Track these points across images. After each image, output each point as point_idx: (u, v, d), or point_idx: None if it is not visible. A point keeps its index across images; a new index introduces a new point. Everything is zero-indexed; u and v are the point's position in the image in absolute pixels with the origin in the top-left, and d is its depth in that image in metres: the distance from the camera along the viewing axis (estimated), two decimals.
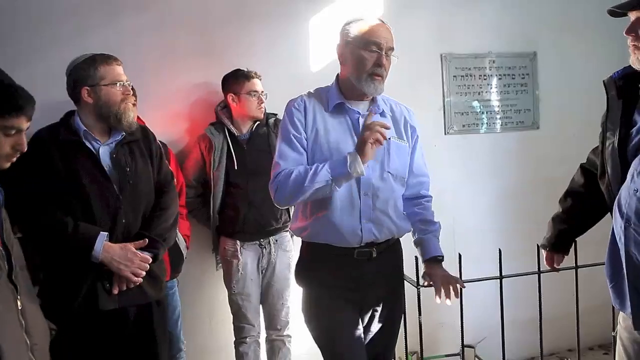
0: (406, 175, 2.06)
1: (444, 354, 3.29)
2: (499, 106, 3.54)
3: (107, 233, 2.01)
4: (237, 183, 2.82)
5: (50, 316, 2.05)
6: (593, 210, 2.00)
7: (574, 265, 2.38)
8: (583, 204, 2.05)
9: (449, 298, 1.97)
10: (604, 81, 1.74)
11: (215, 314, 3.08)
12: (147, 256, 2.06)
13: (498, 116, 3.54)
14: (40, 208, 2.00)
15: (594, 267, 2.43)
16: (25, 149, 1.48)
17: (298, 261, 2.09)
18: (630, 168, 1.49)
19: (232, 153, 2.82)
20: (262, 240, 2.86)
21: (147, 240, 2.07)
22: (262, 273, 2.89)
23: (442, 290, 1.97)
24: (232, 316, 2.91)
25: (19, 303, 1.39)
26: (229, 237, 2.86)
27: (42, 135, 2.08)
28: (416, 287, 2.30)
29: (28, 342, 1.40)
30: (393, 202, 2.00)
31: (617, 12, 1.60)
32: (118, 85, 2.08)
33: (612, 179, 1.65)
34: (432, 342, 3.32)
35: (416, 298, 2.31)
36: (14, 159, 1.48)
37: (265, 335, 2.96)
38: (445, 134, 3.44)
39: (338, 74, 2.04)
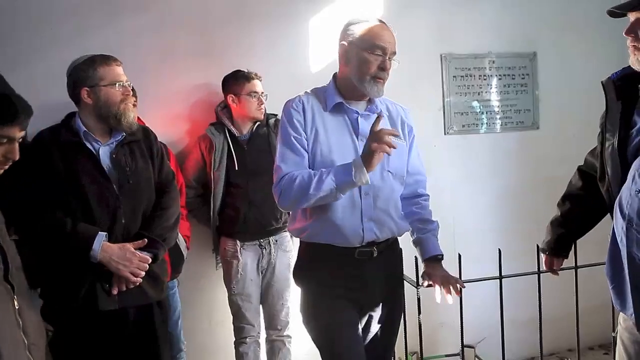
0: (405, 174, 2.06)
1: (444, 354, 3.29)
2: (498, 106, 3.54)
3: (105, 233, 2.01)
4: (238, 183, 2.82)
5: (51, 316, 2.07)
6: (592, 213, 2.00)
7: (574, 265, 2.38)
8: (581, 207, 2.05)
9: (449, 295, 1.98)
10: (602, 82, 1.73)
11: (216, 314, 3.08)
12: (147, 256, 2.06)
13: (498, 116, 3.55)
14: (39, 209, 2.00)
15: (593, 267, 2.43)
16: (17, 158, 1.48)
17: (297, 262, 2.09)
18: (631, 169, 1.48)
19: (232, 153, 2.82)
20: (262, 240, 2.86)
21: (146, 240, 2.07)
22: (262, 273, 2.90)
23: (443, 290, 1.98)
24: (232, 316, 2.91)
25: (15, 303, 1.40)
26: (229, 237, 2.86)
27: (43, 136, 2.10)
28: (416, 287, 2.30)
29: (25, 341, 1.40)
30: (393, 201, 2.01)
31: (617, 13, 1.60)
32: (117, 85, 2.08)
33: (613, 180, 1.65)
34: (432, 342, 3.32)
35: (416, 298, 2.31)
36: (6, 167, 1.49)
37: (265, 335, 2.96)
38: (445, 134, 3.45)
39: (335, 73, 2.04)
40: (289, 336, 2.93)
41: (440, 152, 3.42)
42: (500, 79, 3.53)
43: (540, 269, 2.36)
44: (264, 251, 2.87)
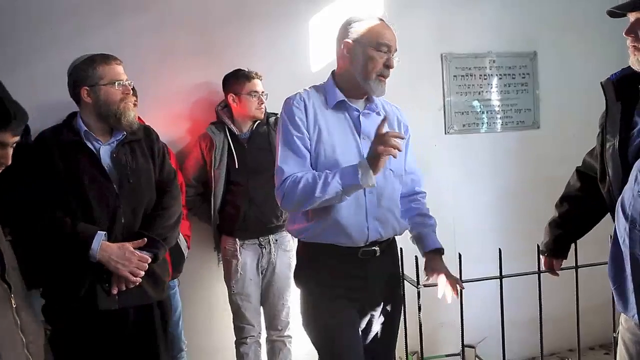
0: (403, 173, 2.06)
1: (445, 354, 3.29)
2: (499, 106, 3.54)
3: (104, 232, 2.01)
4: (238, 181, 2.83)
5: (52, 316, 2.08)
6: (590, 214, 2.00)
7: (574, 265, 2.38)
8: (580, 208, 2.05)
9: (453, 293, 1.99)
10: (601, 83, 1.73)
11: (216, 313, 3.08)
12: (146, 256, 2.06)
13: (498, 116, 3.54)
14: (39, 209, 2.00)
15: (594, 267, 2.42)
16: (9, 163, 1.49)
17: (297, 263, 2.07)
18: (633, 170, 1.48)
19: (232, 151, 2.82)
20: (262, 239, 2.86)
21: (145, 239, 2.06)
22: (262, 273, 2.90)
23: (446, 287, 1.98)
24: (232, 316, 2.91)
25: (12, 302, 1.41)
26: (229, 235, 2.86)
27: (44, 136, 2.11)
28: (416, 287, 2.30)
29: (24, 339, 1.42)
30: (395, 200, 2.02)
31: (617, 13, 1.59)
32: (117, 84, 2.08)
33: (614, 181, 1.65)
34: (433, 342, 3.32)
35: (416, 298, 2.31)
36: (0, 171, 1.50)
37: (265, 335, 2.96)
38: (445, 133, 3.44)
39: (333, 70, 2.03)
40: (289, 336, 2.93)
41: (440, 151, 3.41)
42: (500, 78, 3.53)
43: (541, 269, 2.36)
44: (264, 250, 2.87)
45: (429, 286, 2.08)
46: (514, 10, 3.52)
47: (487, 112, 3.52)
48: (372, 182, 1.78)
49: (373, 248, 1.95)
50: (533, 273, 2.40)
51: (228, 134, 2.85)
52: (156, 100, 2.90)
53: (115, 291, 2.03)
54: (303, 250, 2.03)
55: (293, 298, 2.86)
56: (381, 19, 1.96)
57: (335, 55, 2.02)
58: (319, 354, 1.99)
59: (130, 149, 2.15)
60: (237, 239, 2.84)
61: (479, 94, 3.50)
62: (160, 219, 2.15)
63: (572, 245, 2.22)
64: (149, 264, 2.07)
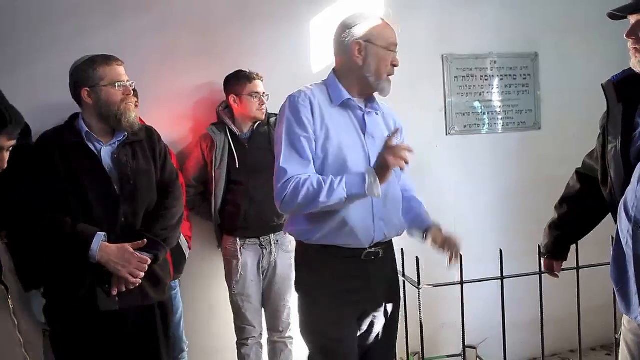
0: (400, 172, 2.06)
1: (446, 355, 3.29)
2: (500, 107, 3.54)
3: (104, 233, 2.00)
4: (239, 180, 2.83)
5: (53, 316, 2.08)
6: (590, 215, 2.01)
7: (576, 266, 2.38)
8: (579, 209, 2.05)
9: (453, 265, 2.01)
10: (602, 85, 1.73)
11: (217, 314, 3.08)
12: (146, 257, 2.05)
13: (499, 117, 3.54)
14: (39, 210, 2.00)
15: (595, 268, 2.43)
16: (5, 167, 1.50)
17: (299, 268, 2.02)
18: (635, 171, 1.48)
19: (233, 151, 2.83)
20: (263, 239, 2.86)
21: (145, 240, 2.06)
22: (263, 274, 2.90)
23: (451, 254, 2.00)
24: (233, 316, 2.91)
25: (10, 303, 1.42)
26: (230, 234, 2.86)
27: (46, 137, 2.12)
28: (417, 287, 2.30)
29: (21, 339, 1.43)
30: (399, 200, 2.01)
31: (617, 16, 1.60)
32: (117, 85, 2.08)
33: (616, 183, 1.65)
34: (434, 343, 3.31)
35: (417, 298, 2.31)
36: None
37: (267, 336, 2.96)
38: (446, 134, 3.44)
39: (334, 69, 2.00)
40: (290, 337, 2.93)
41: (441, 152, 3.41)
42: (501, 79, 3.53)
43: (542, 270, 2.36)
44: (264, 251, 2.87)
45: (430, 286, 2.08)
46: (515, 11, 3.51)
47: (488, 113, 3.52)
48: (378, 192, 1.76)
49: (376, 249, 1.94)
50: (534, 274, 2.40)
51: (229, 134, 2.85)
52: (157, 101, 2.90)
53: (115, 292, 2.03)
54: (305, 253, 1.97)
55: (294, 299, 2.85)
56: (381, 18, 1.95)
57: (335, 55, 1.99)
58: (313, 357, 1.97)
59: (131, 150, 2.15)
60: (237, 239, 2.84)
61: (480, 94, 3.50)
62: (162, 220, 2.15)
63: (573, 246, 2.23)
64: (149, 265, 2.07)
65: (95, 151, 2.10)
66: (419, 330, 2.34)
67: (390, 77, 1.94)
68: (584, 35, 3.60)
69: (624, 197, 1.49)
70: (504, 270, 2.36)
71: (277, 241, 2.89)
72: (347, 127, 1.92)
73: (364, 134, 1.94)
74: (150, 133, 2.26)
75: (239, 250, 2.83)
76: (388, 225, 1.96)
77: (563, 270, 2.26)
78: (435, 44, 3.39)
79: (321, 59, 3.16)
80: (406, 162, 1.74)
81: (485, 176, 3.51)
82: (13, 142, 1.50)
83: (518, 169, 3.55)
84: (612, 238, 1.53)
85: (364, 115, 1.96)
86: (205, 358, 3.08)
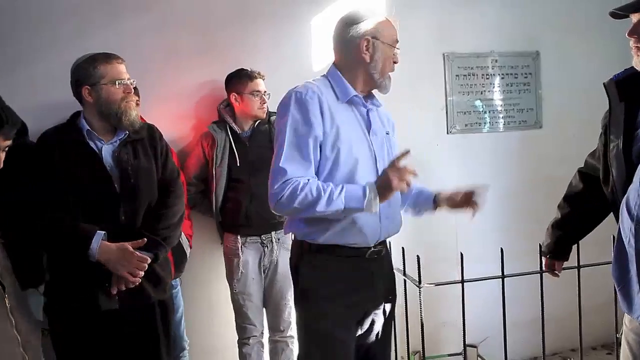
0: None
1: (447, 354, 3.29)
2: (501, 105, 3.53)
3: (104, 232, 2.00)
4: (240, 178, 2.83)
5: (53, 315, 2.09)
6: (592, 214, 2.01)
7: (577, 265, 2.38)
8: (582, 209, 2.05)
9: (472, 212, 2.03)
10: (604, 84, 1.73)
11: (218, 313, 3.08)
12: (146, 256, 2.05)
13: (501, 115, 3.54)
14: (39, 209, 2.00)
15: (596, 267, 2.43)
16: (1, 166, 1.50)
17: (300, 266, 1.93)
18: (638, 170, 1.48)
19: (234, 149, 2.83)
20: (264, 237, 2.86)
21: (145, 239, 2.05)
22: (264, 272, 2.90)
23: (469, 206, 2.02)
24: (234, 315, 2.91)
25: (7, 302, 1.43)
26: (232, 232, 2.86)
27: (47, 135, 2.12)
28: (418, 286, 2.31)
29: (19, 338, 1.43)
30: (398, 196, 1.99)
31: (619, 14, 1.59)
32: (118, 83, 2.08)
33: (618, 182, 1.65)
34: (435, 342, 3.31)
35: (418, 297, 2.31)
36: None
37: (268, 335, 2.96)
38: (447, 133, 3.44)
39: (335, 65, 1.95)
40: (292, 336, 2.92)
41: (442, 151, 3.41)
42: (503, 78, 3.52)
43: (543, 269, 2.36)
44: (265, 249, 2.87)
45: (431, 285, 2.08)
46: (517, 9, 3.51)
47: (489, 112, 3.51)
48: (376, 209, 1.74)
49: (379, 248, 1.94)
50: (535, 273, 2.40)
51: (229, 132, 2.85)
52: (159, 100, 2.90)
53: (114, 291, 2.03)
54: (307, 253, 1.90)
55: None
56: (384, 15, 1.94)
57: (337, 51, 1.94)
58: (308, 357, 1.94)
59: (132, 148, 2.15)
60: (238, 237, 2.84)
61: (481, 93, 3.49)
62: (162, 219, 2.14)
63: (574, 246, 2.22)
64: (149, 264, 2.06)
65: (96, 149, 2.09)
66: (420, 329, 2.34)
67: (390, 74, 1.93)
68: (585, 34, 3.60)
69: (626, 196, 1.48)
70: (504, 269, 2.36)
71: (279, 239, 2.89)
72: (354, 124, 1.89)
73: (369, 132, 1.91)
74: (151, 131, 2.26)
75: (240, 248, 2.83)
76: (392, 224, 1.96)
77: (564, 269, 2.26)
78: (437, 42, 3.39)
79: (322, 58, 3.16)
80: (408, 185, 1.72)
81: (486, 175, 3.50)
82: (9, 142, 1.50)
83: (519, 167, 3.55)
84: (613, 237, 1.53)
85: (367, 112, 1.94)
86: (206, 357, 3.08)
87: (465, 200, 2.03)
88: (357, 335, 1.96)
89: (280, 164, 1.76)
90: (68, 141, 2.07)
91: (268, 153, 2.66)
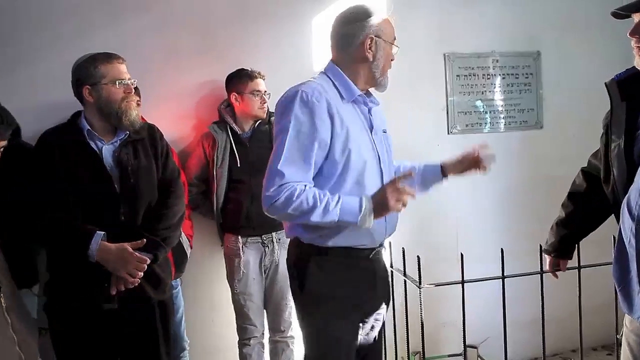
0: None
1: (447, 354, 3.29)
2: (502, 106, 3.53)
3: (103, 232, 2.00)
4: (241, 179, 2.83)
5: (53, 315, 2.09)
6: (596, 213, 2.00)
7: (577, 265, 2.38)
8: (586, 207, 2.05)
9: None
10: (605, 83, 1.73)
11: (219, 313, 3.08)
12: (145, 257, 2.04)
13: (501, 116, 3.53)
14: (38, 209, 2.00)
15: (596, 268, 2.42)
16: None
17: (304, 269, 1.85)
18: (639, 170, 1.48)
19: (234, 150, 2.82)
20: (265, 237, 2.85)
21: (145, 240, 2.05)
22: (264, 272, 2.89)
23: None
24: (235, 316, 2.91)
25: (2, 302, 1.43)
26: (232, 233, 2.86)
27: (46, 135, 2.12)
28: (418, 286, 2.30)
29: (15, 338, 1.43)
30: None
31: (621, 14, 1.59)
32: (118, 83, 2.08)
33: (618, 182, 1.64)
34: (435, 342, 3.31)
35: (418, 298, 2.31)
36: None
37: (268, 336, 2.95)
38: (448, 133, 3.43)
39: (334, 62, 1.91)
40: (292, 337, 2.92)
41: (443, 151, 3.36)
42: (504, 78, 3.52)
43: (543, 269, 2.36)
44: (266, 249, 2.87)
45: (431, 285, 2.07)
46: (517, 9, 3.51)
47: (490, 112, 3.51)
48: (369, 225, 1.73)
49: (380, 248, 1.94)
50: (535, 273, 2.40)
51: (230, 133, 2.85)
52: (159, 100, 2.90)
53: (114, 292, 2.03)
54: (312, 256, 1.84)
55: None
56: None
57: (338, 48, 1.90)
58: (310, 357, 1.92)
59: (133, 148, 2.15)
60: (239, 237, 2.83)
61: (482, 93, 3.49)
62: (162, 219, 2.14)
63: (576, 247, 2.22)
64: (149, 265, 2.06)
65: (97, 149, 2.09)
66: (420, 330, 2.33)
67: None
68: (586, 33, 3.60)
69: (627, 196, 1.48)
70: (505, 269, 2.36)
71: (279, 239, 2.88)
72: (359, 124, 1.86)
73: (371, 131, 1.90)
74: (152, 131, 2.25)
75: (241, 248, 2.83)
76: (393, 223, 1.95)
77: (554, 271, 2.26)
78: (437, 43, 3.38)
79: (323, 58, 3.15)
80: (404, 206, 1.72)
81: (487, 175, 3.49)
82: (4, 143, 1.51)
83: (520, 168, 3.54)
84: (614, 237, 1.53)
85: (369, 111, 1.93)
86: (207, 357, 3.08)
87: (474, 162, 2.09)
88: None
89: (279, 167, 1.71)
90: (68, 141, 2.07)
91: (268, 153, 2.65)
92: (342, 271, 1.85)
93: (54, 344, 2.09)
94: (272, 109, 2.91)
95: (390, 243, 2.39)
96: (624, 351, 1.68)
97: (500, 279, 2.38)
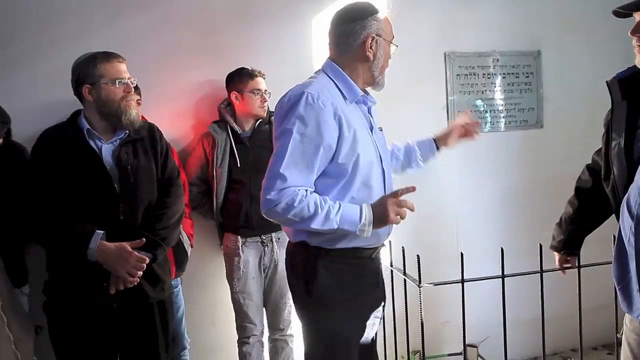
0: None
1: (447, 353, 3.29)
2: (502, 105, 3.53)
3: (103, 232, 2.00)
4: (240, 179, 2.82)
5: (52, 313, 2.09)
6: (603, 208, 2.00)
7: (577, 264, 2.37)
8: (593, 203, 2.05)
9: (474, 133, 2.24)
10: (607, 82, 1.73)
11: (219, 312, 3.08)
12: (144, 256, 2.05)
13: (502, 115, 3.53)
14: (38, 208, 2.00)
15: (596, 267, 2.42)
16: None
17: (312, 272, 1.81)
18: (639, 168, 1.47)
19: (234, 150, 2.82)
20: (264, 237, 2.86)
21: (144, 240, 2.05)
22: (264, 271, 2.89)
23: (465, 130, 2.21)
24: (234, 315, 2.91)
25: None
26: (232, 233, 2.86)
27: (46, 135, 2.12)
28: (418, 285, 2.30)
29: (11, 337, 1.43)
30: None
31: (622, 13, 1.59)
32: (118, 82, 2.08)
33: (618, 180, 1.64)
34: (435, 341, 3.31)
35: (418, 297, 2.30)
36: None
37: (268, 334, 2.96)
38: None
39: (333, 61, 1.88)
40: (291, 335, 2.92)
41: (443, 151, 3.40)
42: (504, 77, 3.52)
43: (543, 269, 2.36)
44: (266, 249, 2.87)
45: (431, 284, 2.07)
46: (518, 9, 3.50)
47: (490, 112, 3.51)
48: (368, 235, 1.73)
49: (382, 246, 1.95)
50: (535, 272, 2.39)
51: (230, 133, 2.85)
52: (160, 99, 2.90)
53: (113, 291, 2.03)
54: (324, 259, 1.80)
55: None
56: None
57: (337, 46, 1.87)
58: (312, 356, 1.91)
59: (132, 148, 2.15)
60: (239, 237, 2.83)
61: (482, 93, 3.49)
62: (161, 219, 2.14)
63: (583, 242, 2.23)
64: (148, 264, 2.06)
65: (96, 149, 2.09)
66: (420, 329, 2.33)
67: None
68: (587, 33, 3.59)
69: (626, 195, 1.48)
70: (505, 268, 2.36)
71: (279, 239, 2.88)
72: (362, 125, 1.85)
73: (371, 131, 1.89)
74: (151, 131, 2.25)
75: (240, 248, 2.83)
76: None
77: (564, 269, 2.26)
78: (437, 42, 3.38)
79: (323, 57, 3.15)
80: (402, 219, 1.72)
81: (487, 175, 3.51)
82: (0, 141, 1.51)
83: (520, 167, 3.54)
84: (614, 237, 1.53)
85: (369, 110, 1.92)
86: (207, 355, 3.08)
87: (465, 131, 2.23)
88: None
89: (281, 169, 1.67)
90: (68, 140, 2.07)
91: (268, 154, 2.65)
92: (349, 272, 1.84)
93: (53, 343, 2.09)
94: (272, 108, 2.92)
95: (390, 242, 2.39)
96: (624, 350, 1.68)
97: (500, 278, 2.38)
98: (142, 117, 2.35)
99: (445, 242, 3.35)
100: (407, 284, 2.47)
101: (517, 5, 3.50)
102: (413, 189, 1.74)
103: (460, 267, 2.29)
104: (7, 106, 2.37)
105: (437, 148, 2.24)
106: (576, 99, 3.56)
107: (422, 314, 2.30)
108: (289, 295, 2.87)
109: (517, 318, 2.84)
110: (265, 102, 2.85)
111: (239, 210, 2.81)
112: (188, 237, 2.79)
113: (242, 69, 2.85)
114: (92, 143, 2.09)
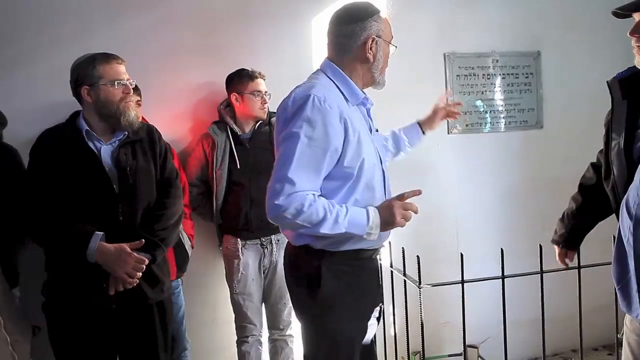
0: None
1: (447, 354, 3.28)
2: (502, 105, 3.53)
3: (102, 233, 2.00)
4: (240, 181, 2.82)
5: (51, 314, 2.09)
6: (605, 204, 2.00)
7: (577, 265, 2.37)
8: (596, 199, 2.05)
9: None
10: (607, 82, 1.73)
11: (219, 312, 3.08)
12: (143, 257, 2.05)
13: (502, 115, 3.53)
14: (37, 209, 2.00)
15: (597, 267, 2.42)
16: None
17: (316, 276, 1.78)
18: (638, 168, 1.47)
19: (234, 152, 2.82)
20: (263, 239, 2.85)
21: (143, 241, 2.05)
22: (263, 273, 2.89)
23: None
24: (234, 316, 2.91)
25: None
26: (231, 235, 2.86)
27: (44, 135, 2.12)
28: (418, 286, 2.30)
29: (8, 338, 1.43)
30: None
31: (621, 14, 1.59)
32: (117, 84, 2.07)
33: (618, 180, 1.64)
34: (435, 342, 3.31)
35: (418, 298, 2.30)
36: None
37: (267, 334, 2.96)
38: (448, 133, 3.43)
39: (331, 61, 1.87)
40: (291, 335, 2.92)
41: (443, 151, 3.40)
42: (504, 78, 3.52)
43: (544, 269, 2.35)
44: (265, 250, 2.87)
45: (430, 284, 2.07)
46: (518, 9, 3.50)
47: (490, 112, 3.51)
48: (374, 238, 1.74)
49: (382, 247, 1.95)
50: (535, 273, 2.39)
51: (230, 134, 2.84)
52: (159, 100, 2.89)
53: (112, 292, 2.03)
54: (329, 262, 1.79)
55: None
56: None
57: (336, 47, 1.86)
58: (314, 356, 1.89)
59: (131, 149, 2.15)
60: (238, 239, 2.83)
61: (482, 93, 3.49)
62: (160, 220, 2.14)
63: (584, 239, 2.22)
64: (147, 265, 2.06)
65: (95, 150, 2.09)
66: (420, 330, 2.33)
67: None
68: (586, 33, 3.59)
69: (626, 195, 1.48)
70: (505, 269, 2.36)
71: (278, 240, 2.88)
72: (364, 127, 1.84)
73: (371, 132, 1.89)
74: (150, 132, 2.25)
75: (240, 250, 2.83)
76: None
77: (564, 269, 2.26)
78: (437, 42, 3.38)
79: (323, 58, 3.15)
80: (407, 221, 1.74)
81: (487, 175, 3.50)
82: None
83: (520, 168, 3.54)
84: (614, 237, 1.53)
85: (368, 112, 1.91)
86: (208, 356, 3.08)
87: (447, 112, 2.51)
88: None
89: (289, 173, 1.63)
90: (67, 141, 2.07)
91: (269, 156, 2.63)
92: (352, 273, 1.83)
93: (52, 343, 2.09)
94: (273, 110, 2.92)
95: (390, 243, 2.38)
96: (625, 352, 1.67)
97: (500, 279, 2.37)
98: (143, 118, 2.35)
99: (445, 242, 3.35)
100: (407, 285, 2.47)
101: (517, 6, 3.50)
102: (419, 192, 1.75)
103: (461, 268, 2.28)
104: (6, 106, 2.37)
105: (424, 132, 2.47)
106: (576, 99, 3.56)
107: (422, 314, 2.30)
108: (289, 296, 2.88)
109: (517, 319, 2.84)
110: (265, 103, 2.85)
111: (239, 213, 2.81)
112: (189, 237, 2.79)
113: (242, 70, 2.85)
114: (91, 144, 2.09)
